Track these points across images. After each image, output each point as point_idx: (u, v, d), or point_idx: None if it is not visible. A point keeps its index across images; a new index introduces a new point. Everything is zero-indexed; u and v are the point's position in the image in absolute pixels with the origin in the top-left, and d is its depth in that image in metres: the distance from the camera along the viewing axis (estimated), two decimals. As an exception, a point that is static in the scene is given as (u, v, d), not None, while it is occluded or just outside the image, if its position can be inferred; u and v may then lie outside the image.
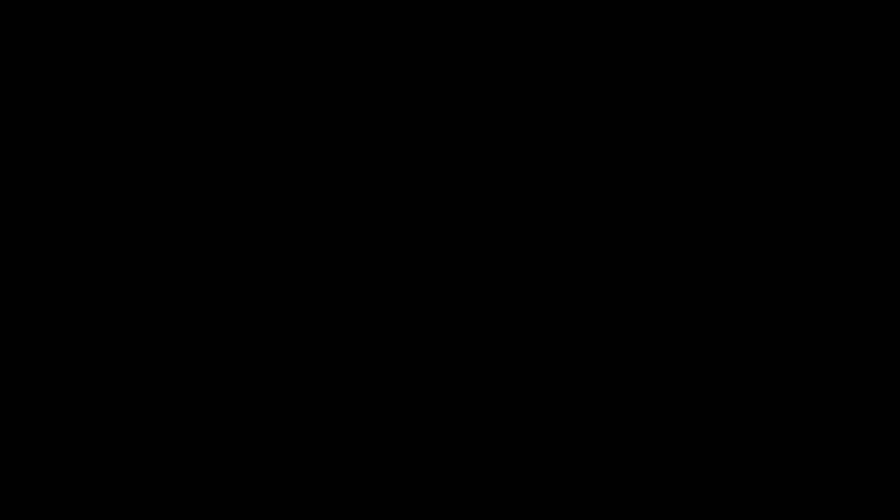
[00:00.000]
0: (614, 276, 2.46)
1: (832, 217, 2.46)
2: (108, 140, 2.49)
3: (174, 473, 2.43)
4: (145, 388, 2.44)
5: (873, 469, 2.40)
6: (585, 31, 2.49)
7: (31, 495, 2.41)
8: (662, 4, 2.48)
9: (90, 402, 2.44)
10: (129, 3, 2.49)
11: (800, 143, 2.47)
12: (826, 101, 2.48)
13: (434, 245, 2.47)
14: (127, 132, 2.49)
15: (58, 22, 2.49)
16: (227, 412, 2.45)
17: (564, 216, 2.47)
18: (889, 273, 2.44)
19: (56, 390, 2.44)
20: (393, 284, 2.47)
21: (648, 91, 2.49)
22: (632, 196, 2.48)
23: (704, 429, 2.43)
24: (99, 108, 2.49)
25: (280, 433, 2.44)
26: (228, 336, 2.46)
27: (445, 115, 2.49)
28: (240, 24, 2.50)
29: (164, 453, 2.43)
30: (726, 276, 2.46)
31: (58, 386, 2.44)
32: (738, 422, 2.43)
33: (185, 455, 2.43)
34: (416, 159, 2.49)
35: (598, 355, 2.45)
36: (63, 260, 2.46)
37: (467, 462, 2.44)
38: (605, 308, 2.46)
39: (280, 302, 2.47)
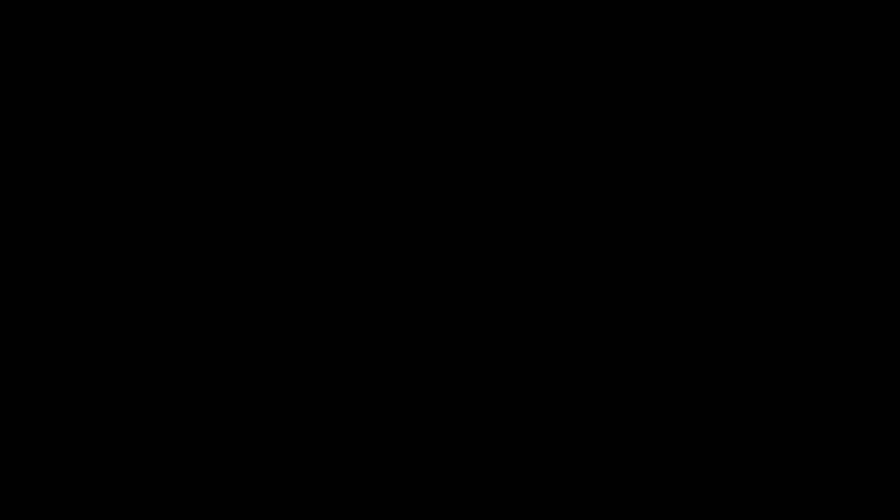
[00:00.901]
0: (614, 275, 2.47)
1: (832, 217, 2.46)
2: (108, 140, 2.49)
3: (174, 473, 2.43)
4: (145, 387, 2.45)
5: (873, 469, 2.41)
6: (586, 32, 2.50)
7: (31, 495, 2.42)
8: (662, 4, 2.49)
9: (90, 402, 2.44)
10: (130, 3, 2.50)
11: (800, 143, 2.47)
12: (826, 101, 2.48)
13: (434, 245, 2.48)
14: (127, 132, 2.49)
15: (58, 22, 2.49)
16: (227, 412, 2.45)
17: (564, 216, 2.48)
18: (889, 273, 2.44)
19: (56, 390, 2.45)
20: (392, 284, 2.47)
21: (648, 91, 2.49)
22: (632, 196, 2.48)
23: (704, 429, 2.44)
24: (99, 108, 2.49)
25: (280, 433, 2.45)
26: (228, 336, 2.46)
27: (445, 115, 2.50)
28: (240, 24, 2.50)
29: (164, 453, 2.43)
30: (726, 276, 2.46)
31: (58, 386, 2.45)
32: (738, 422, 2.43)
33: (185, 455, 2.44)
34: (415, 159, 2.49)
35: (597, 355, 2.46)
36: (63, 260, 2.46)
37: (467, 462, 2.44)
38: (605, 308, 2.47)
39: (280, 302, 2.47)
